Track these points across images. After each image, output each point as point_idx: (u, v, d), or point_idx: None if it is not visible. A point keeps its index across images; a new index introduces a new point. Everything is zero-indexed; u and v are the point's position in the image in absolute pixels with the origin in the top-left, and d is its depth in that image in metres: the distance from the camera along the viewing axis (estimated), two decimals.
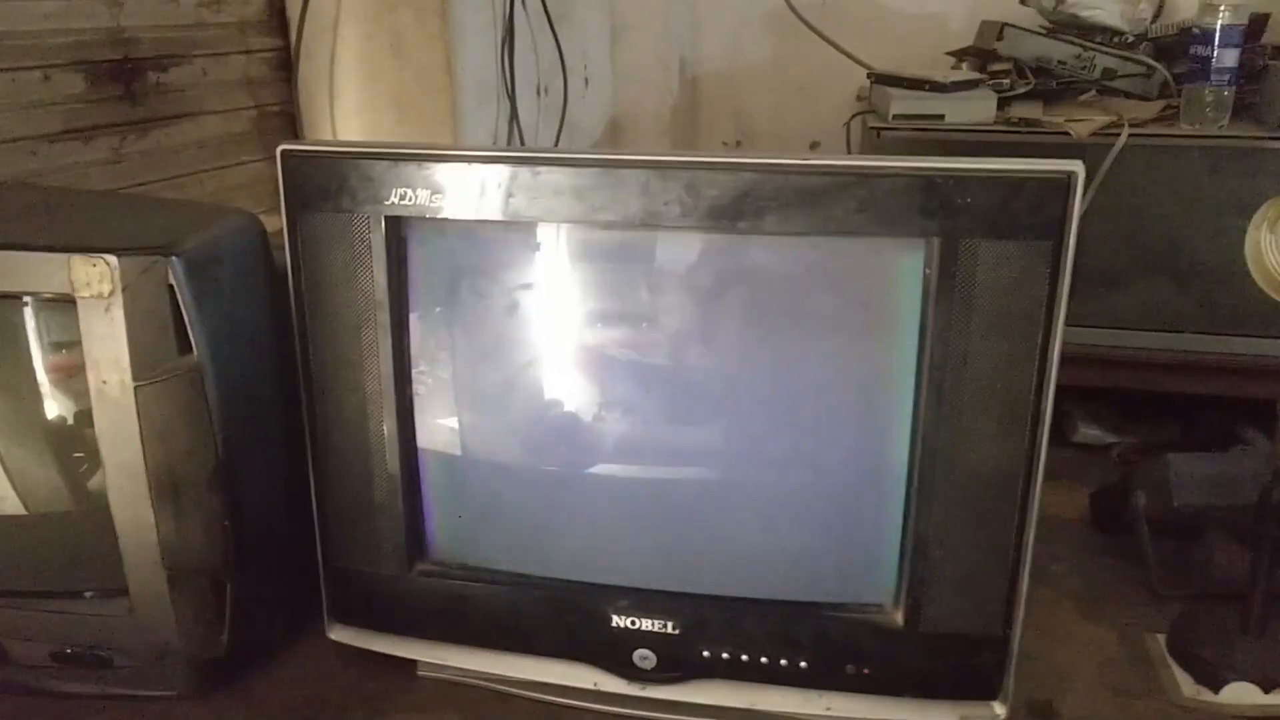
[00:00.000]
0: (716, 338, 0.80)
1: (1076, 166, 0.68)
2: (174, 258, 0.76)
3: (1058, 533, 1.15)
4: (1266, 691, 0.87)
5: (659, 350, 0.82)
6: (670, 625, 0.84)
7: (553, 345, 0.83)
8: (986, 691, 0.81)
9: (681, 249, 0.78)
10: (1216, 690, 0.88)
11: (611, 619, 0.85)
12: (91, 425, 0.80)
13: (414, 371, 0.83)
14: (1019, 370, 0.73)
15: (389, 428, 0.83)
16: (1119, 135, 1.50)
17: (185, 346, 0.78)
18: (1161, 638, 0.97)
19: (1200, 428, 1.52)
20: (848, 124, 1.69)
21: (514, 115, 1.61)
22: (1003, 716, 0.81)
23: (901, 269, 0.74)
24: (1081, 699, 0.90)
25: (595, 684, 0.87)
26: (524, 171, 0.75)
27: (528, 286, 0.81)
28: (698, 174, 0.72)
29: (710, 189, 0.72)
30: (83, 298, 0.75)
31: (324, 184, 0.79)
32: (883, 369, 0.78)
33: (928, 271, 0.73)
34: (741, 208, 0.72)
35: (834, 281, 0.78)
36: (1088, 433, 1.45)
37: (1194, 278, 1.51)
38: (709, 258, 0.79)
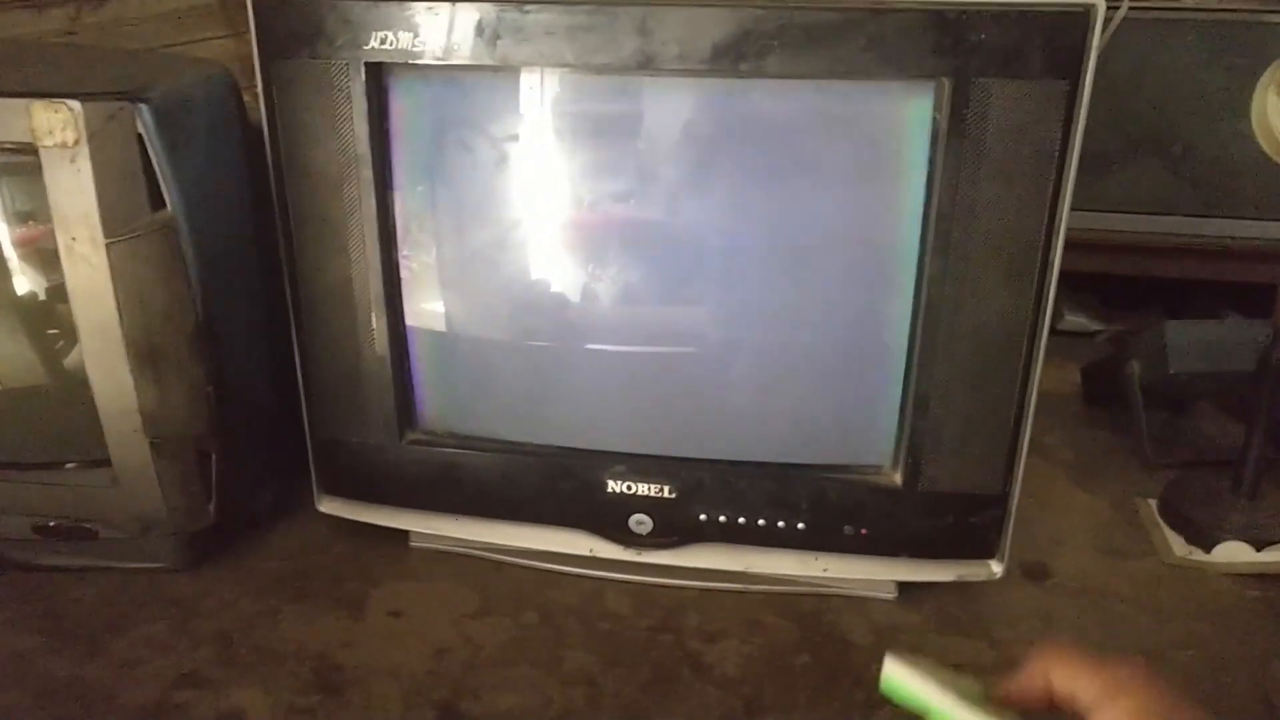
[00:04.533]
0: (713, 190, 0.77)
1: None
2: (142, 104, 0.71)
3: (1049, 407, 1.14)
4: (1258, 550, 0.88)
5: (653, 204, 0.78)
6: (666, 489, 0.83)
7: (543, 200, 0.79)
8: (984, 550, 0.81)
9: (678, 95, 0.75)
10: (1208, 550, 0.89)
11: (607, 484, 0.84)
12: (63, 301, 0.76)
13: (399, 229, 0.80)
14: (1029, 219, 0.70)
15: (375, 290, 0.80)
16: (1119, 7, 1.46)
17: (158, 202, 0.74)
18: (1153, 503, 0.97)
19: (1185, 314, 1.51)
20: None
21: None
22: (999, 574, 0.81)
23: (910, 114, 0.71)
24: (1074, 560, 0.90)
25: (590, 550, 0.87)
26: (512, 11, 0.71)
27: (516, 138, 0.77)
28: (698, 10, 0.68)
29: (711, 26, 0.68)
30: (45, 147, 0.70)
31: (299, 29, 0.74)
32: (887, 221, 0.75)
33: (937, 116, 0.69)
34: (743, 48, 0.69)
35: (838, 129, 0.74)
36: (1073, 320, 1.45)
37: (1188, 158, 1.49)
38: (708, 105, 0.75)
